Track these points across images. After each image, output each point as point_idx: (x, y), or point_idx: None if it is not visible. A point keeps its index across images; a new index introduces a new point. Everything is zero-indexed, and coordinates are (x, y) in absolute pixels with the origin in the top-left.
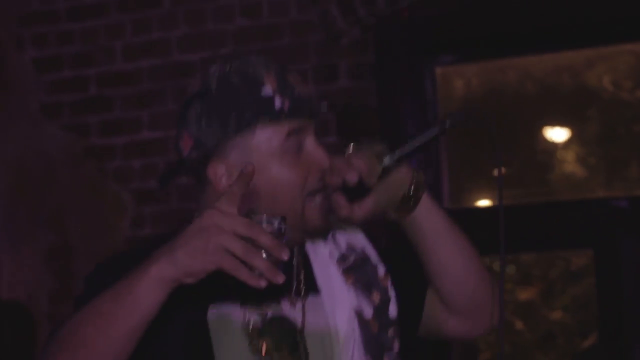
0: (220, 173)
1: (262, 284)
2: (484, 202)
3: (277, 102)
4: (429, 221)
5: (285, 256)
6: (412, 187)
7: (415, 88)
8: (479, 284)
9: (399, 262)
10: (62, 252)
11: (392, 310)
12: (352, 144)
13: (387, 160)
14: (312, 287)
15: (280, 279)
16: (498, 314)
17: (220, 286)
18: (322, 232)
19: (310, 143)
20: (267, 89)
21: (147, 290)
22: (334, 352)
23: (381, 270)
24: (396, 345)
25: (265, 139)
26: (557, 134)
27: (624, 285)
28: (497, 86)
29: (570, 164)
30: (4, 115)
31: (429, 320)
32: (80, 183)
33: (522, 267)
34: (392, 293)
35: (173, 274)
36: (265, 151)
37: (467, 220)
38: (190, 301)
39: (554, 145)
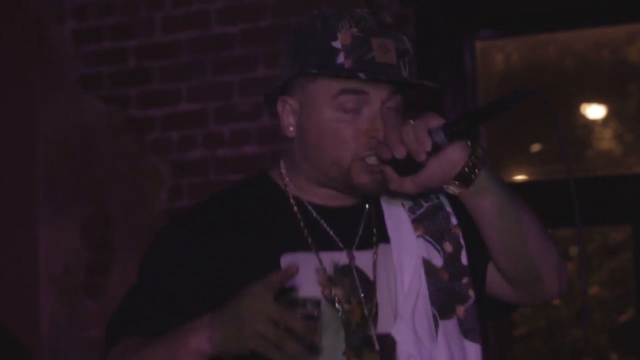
0: (285, 108)
1: None
2: (521, 177)
3: (340, 58)
4: (484, 199)
5: (316, 340)
6: (468, 165)
7: (455, 62)
8: (537, 262)
9: (471, 225)
10: (100, 224)
11: (464, 258)
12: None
13: (438, 136)
14: (383, 237)
15: None
16: (564, 285)
17: (293, 233)
18: (369, 192)
19: (369, 110)
20: (337, 43)
21: (187, 359)
22: (399, 303)
23: (454, 219)
24: (472, 294)
25: (322, 88)
26: (596, 110)
27: None
28: (537, 61)
29: (608, 141)
30: (43, 88)
31: (490, 287)
32: (119, 155)
33: (559, 243)
34: (463, 242)
35: (209, 351)
36: (319, 99)
37: None
38: (263, 247)
39: (592, 121)
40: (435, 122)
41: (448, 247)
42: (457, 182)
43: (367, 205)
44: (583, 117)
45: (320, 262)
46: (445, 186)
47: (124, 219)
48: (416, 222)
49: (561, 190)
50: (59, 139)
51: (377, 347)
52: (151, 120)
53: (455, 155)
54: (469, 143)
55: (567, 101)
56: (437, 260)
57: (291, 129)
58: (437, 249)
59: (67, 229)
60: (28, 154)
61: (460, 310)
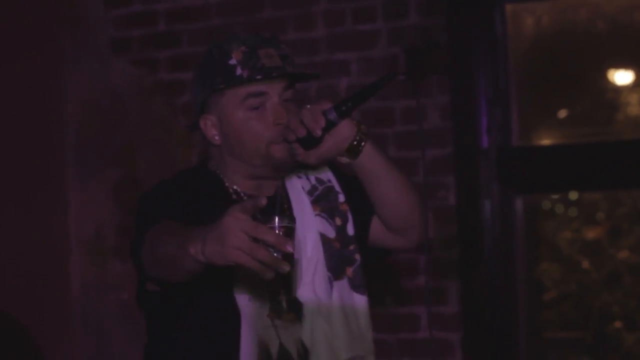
0: (207, 125)
1: (269, 275)
2: (548, 141)
3: (238, 71)
4: (371, 165)
5: (289, 249)
6: (356, 138)
7: (486, 25)
8: (410, 211)
9: (355, 191)
10: (130, 187)
11: (350, 229)
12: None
13: (331, 115)
14: (290, 218)
15: (285, 268)
16: (429, 230)
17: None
18: (284, 166)
19: (271, 103)
20: (232, 60)
21: (189, 262)
22: (302, 271)
23: (341, 197)
24: (358, 257)
25: (230, 98)
26: (627, 73)
27: None
28: (568, 24)
29: (636, 105)
30: (74, 51)
31: (374, 237)
32: (149, 118)
33: (588, 207)
34: (349, 216)
35: (203, 260)
36: (232, 108)
37: (534, 158)
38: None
39: (623, 85)
40: (327, 105)
41: (338, 221)
42: (348, 153)
43: (278, 193)
44: (612, 81)
45: None
46: (340, 157)
47: (154, 183)
48: (314, 202)
49: (588, 155)
50: (89, 102)
51: (291, 308)
52: (181, 84)
53: (345, 131)
54: (355, 122)
55: (597, 64)
56: (331, 233)
57: (216, 138)
58: (330, 223)
59: (97, 192)
60: (58, 117)
61: (349, 271)
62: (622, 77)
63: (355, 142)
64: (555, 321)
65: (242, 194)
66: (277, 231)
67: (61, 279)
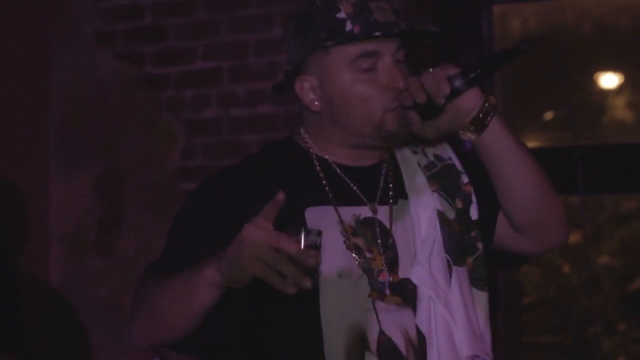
0: (305, 87)
1: (291, 290)
2: (533, 144)
3: (348, 26)
4: (497, 145)
5: (312, 263)
6: (482, 111)
7: (473, 25)
8: (545, 207)
9: (481, 180)
10: (112, 181)
11: (474, 213)
12: (429, 67)
13: (457, 82)
14: (401, 193)
15: (307, 284)
16: (566, 232)
17: (316, 189)
18: (399, 137)
19: (384, 64)
20: (341, 14)
21: (203, 291)
22: (416, 250)
23: (464, 178)
24: (480, 246)
25: (338, 58)
26: (612, 78)
27: None
28: (554, 26)
29: (621, 109)
30: (59, 43)
31: (498, 239)
32: (133, 112)
33: (570, 211)
34: (473, 198)
35: (221, 281)
36: (338, 68)
37: None
38: (288, 202)
39: (607, 90)
40: (452, 70)
41: (459, 203)
42: (472, 128)
43: (384, 165)
44: (598, 84)
45: (339, 215)
46: (462, 132)
47: (136, 177)
48: (431, 179)
49: (572, 158)
50: (73, 95)
51: (395, 291)
52: (166, 78)
53: (471, 101)
54: (483, 92)
55: (583, 67)
56: (450, 214)
57: (316, 103)
58: (449, 204)
59: (79, 185)
60: (42, 108)
61: (470, 260)
62: (608, 80)
63: (481, 115)
64: (534, 325)
65: (331, 163)
66: (301, 244)
67: (40, 271)
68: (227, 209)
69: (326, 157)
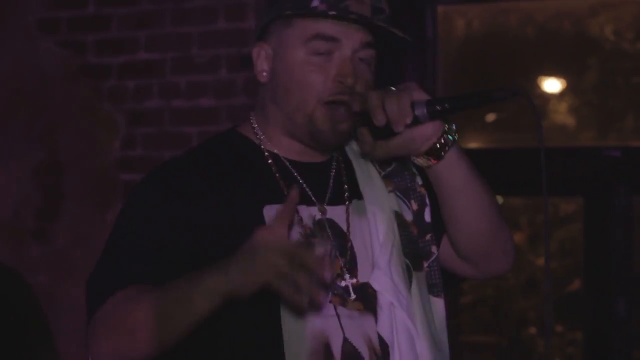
0: (260, 55)
1: (302, 302)
2: (474, 145)
3: (315, 2)
4: (450, 175)
5: (328, 277)
6: (439, 140)
7: (416, 25)
8: (491, 239)
9: (431, 190)
10: (51, 169)
11: (427, 216)
12: (394, 86)
13: (420, 110)
14: (355, 192)
15: (320, 296)
16: (510, 263)
17: (271, 187)
18: (329, 142)
19: (340, 55)
20: None
21: (203, 300)
22: (374, 254)
23: (419, 180)
24: (434, 250)
25: (296, 31)
26: (554, 83)
27: (611, 233)
28: (498, 29)
29: (563, 113)
30: (0, 29)
31: (441, 256)
32: (74, 101)
33: (510, 212)
34: (427, 201)
35: (226, 289)
36: (293, 42)
37: None
38: (244, 200)
39: (550, 92)
40: (419, 94)
41: (414, 205)
42: (426, 156)
43: (334, 162)
44: (540, 88)
45: (299, 215)
46: (414, 157)
47: (76, 166)
48: (386, 178)
49: (514, 160)
50: (13, 82)
51: (357, 295)
52: (108, 68)
53: (429, 129)
54: (444, 121)
55: (526, 70)
56: (408, 215)
57: (264, 74)
58: (406, 205)
59: (17, 173)
60: None
61: (425, 265)
62: (550, 85)
63: (438, 145)
64: (471, 325)
65: (282, 159)
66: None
67: None
68: (181, 211)
69: (276, 151)
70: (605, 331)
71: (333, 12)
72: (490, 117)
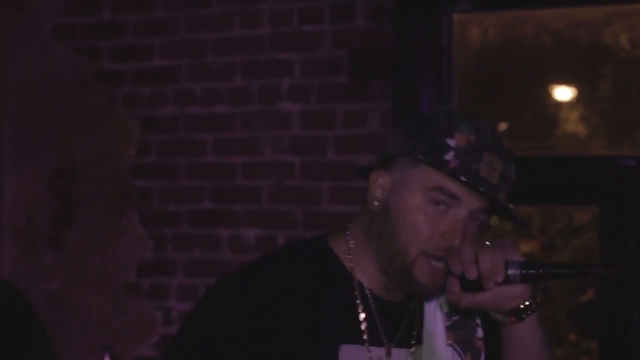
0: (378, 182)
1: None
2: None
3: (449, 156)
4: (524, 337)
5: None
6: (524, 304)
7: (431, 33)
8: None
9: (494, 338)
10: (66, 176)
11: None
12: (493, 240)
13: (513, 270)
14: (419, 336)
15: None
16: None
17: (352, 324)
18: (424, 293)
19: (455, 214)
20: (452, 141)
21: None
22: None
23: (480, 332)
24: None
25: (421, 175)
26: (567, 92)
27: (626, 242)
28: (513, 38)
29: (575, 123)
30: (16, 35)
31: None
32: (88, 107)
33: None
34: (482, 356)
35: None
36: (414, 184)
37: None
38: (322, 333)
39: (563, 102)
40: (513, 254)
41: (468, 357)
42: (507, 315)
43: (412, 302)
44: (554, 96)
45: (370, 355)
46: (495, 314)
47: (91, 173)
48: (450, 329)
49: (530, 168)
50: (29, 88)
51: None
52: (122, 75)
53: (519, 291)
54: (534, 288)
55: (541, 79)
56: None
57: (376, 203)
58: (461, 357)
59: (32, 179)
60: None
61: None
62: (563, 93)
63: (522, 307)
64: None
65: (367, 293)
66: None
67: None
68: (247, 328)
69: (364, 283)
70: (620, 340)
71: (463, 178)
72: (503, 126)
